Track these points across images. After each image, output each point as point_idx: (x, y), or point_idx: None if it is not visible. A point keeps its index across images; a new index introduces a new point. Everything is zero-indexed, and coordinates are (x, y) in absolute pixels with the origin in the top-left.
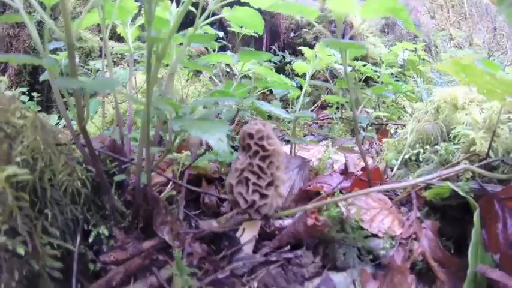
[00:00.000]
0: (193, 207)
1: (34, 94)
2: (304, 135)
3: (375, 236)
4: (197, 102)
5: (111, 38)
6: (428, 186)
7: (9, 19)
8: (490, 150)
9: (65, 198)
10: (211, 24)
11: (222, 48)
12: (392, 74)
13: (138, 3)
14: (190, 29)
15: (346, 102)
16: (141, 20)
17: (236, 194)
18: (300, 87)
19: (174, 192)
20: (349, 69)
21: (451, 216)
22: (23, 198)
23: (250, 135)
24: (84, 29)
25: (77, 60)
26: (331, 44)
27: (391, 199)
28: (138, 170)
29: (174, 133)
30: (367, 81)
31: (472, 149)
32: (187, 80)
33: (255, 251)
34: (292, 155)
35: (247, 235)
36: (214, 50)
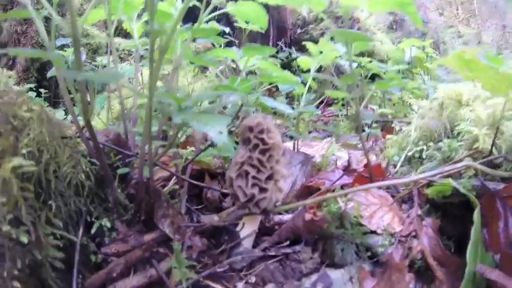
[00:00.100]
0: (195, 202)
1: (42, 90)
2: (309, 132)
3: (374, 232)
4: (199, 96)
5: (118, 35)
6: (430, 184)
7: (17, 15)
8: (494, 148)
9: (69, 190)
10: (218, 20)
11: (229, 44)
12: (399, 71)
13: None
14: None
15: (352, 99)
16: (147, 16)
17: (236, 188)
18: (306, 84)
19: (177, 187)
20: (354, 65)
21: (452, 214)
22: (28, 189)
23: (250, 129)
24: (91, 26)
25: (84, 56)
26: (337, 36)
27: (393, 196)
28: (141, 163)
29: (176, 127)
30: (374, 78)
31: (475, 146)
32: (194, 75)
33: (254, 246)
34: (295, 150)
35: (247, 229)
36: (220, 46)
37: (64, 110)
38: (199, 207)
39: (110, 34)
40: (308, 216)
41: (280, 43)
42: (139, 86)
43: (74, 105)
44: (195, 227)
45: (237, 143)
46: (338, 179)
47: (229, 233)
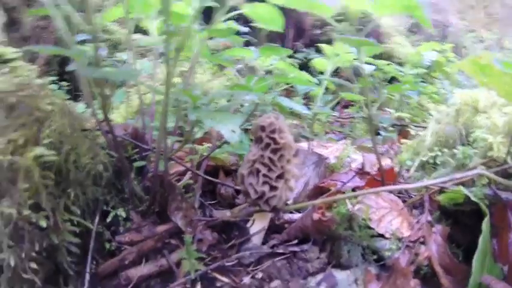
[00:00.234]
0: (209, 197)
1: (63, 83)
2: (326, 133)
3: (382, 236)
4: (215, 94)
5: (138, 31)
6: (442, 190)
7: (39, 12)
8: (508, 156)
9: (87, 180)
10: (236, 19)
11: (248, 44)
12: (417, 74)
13: None
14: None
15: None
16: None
17: (247, 185)
18: (321, 85)
19: (192, 182)
20: (372, 68)
21: (463, 222)
22: (48, 177)
23: (263, 128)
24: (111, 22)
25: (105, 52)
26: (346, 41)
27: (404, 201)
28: (157, 157)
29: (191, 123)
30: (392, 81)
31: (489, 154)
32: (213, 73)
33: (264, 243)
34: (310, 151)
35: (257, 226)
36: (239, 45)
37: (85, 104)
38: (213, 202)
39: (129, 33)
40: (316, 216)
41: (298, 43)
42: (158, 82)
43: (93, 99)
44: (206, 221)
45: (252, 140)
46: (349, 181)
47: (239, 229)
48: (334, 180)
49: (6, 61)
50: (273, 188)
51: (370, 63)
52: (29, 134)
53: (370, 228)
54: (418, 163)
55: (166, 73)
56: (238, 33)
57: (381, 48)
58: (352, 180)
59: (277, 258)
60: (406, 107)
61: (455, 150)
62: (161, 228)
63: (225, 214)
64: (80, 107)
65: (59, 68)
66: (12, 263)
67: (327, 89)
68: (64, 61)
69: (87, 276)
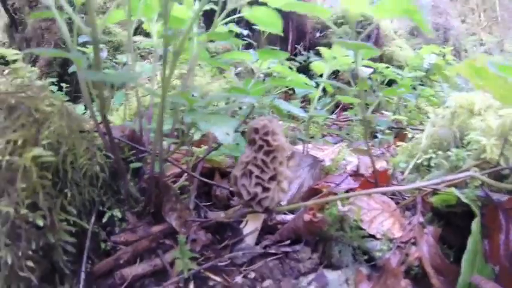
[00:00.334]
0: (205, 199)
1: (63, 85)
2: (323, 136)
3: (373, 237)
4: (212, 97)
5: (139, 33)
6: (435, 192)
7: (42, 15)
8: (502, 158)
9: (84, 181)
10: (237, 22)
11: (248, 46)
12: (416, 77)
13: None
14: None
15: (366, 104)
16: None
17: (240, 186)
18: (323, 89)
19: (187, 183)
20: (370, 70)
21: (455, 224)
22: (46, 177)
23: (256, 130)
24: (113, 24)
25: (105, 53)
26: (338, 45)
27: (398, 203)
28: (153, 158)
29: (187, 126)
30: (391, 84)
31: (482, 156)
32: (212, 76)
33: (257, 243)
34: (305, 153)
35: (250, 227)
36: (238, 48)
37: (84, 105)
38: (208, 204)
39: (129, 34)
40: (307, 217)
41: (299, 46)
42: (157, 84)
43: (92, 101)
44: (201, 222)
45: None
46: (341, 182)
47: (233, 230)
48: (328, 182)
49: (7, 62)
50: (265, 190)
51: (368, 66)
52: (28, 135)
53: (361, 229)
54: (413, 165)
55: (162, 76)
56: (238, 35)
57: (377, 52)
58: (345, 182)
59: (270, 259)
60: (403, 110)
61: (449, 153)
62: (156, 228)
63: (219, 215)
64: (79, 108)
65: (60, 70)
66: (9, 261)
67: (325, 91)
68: (65, 62)
69: (83, 275)
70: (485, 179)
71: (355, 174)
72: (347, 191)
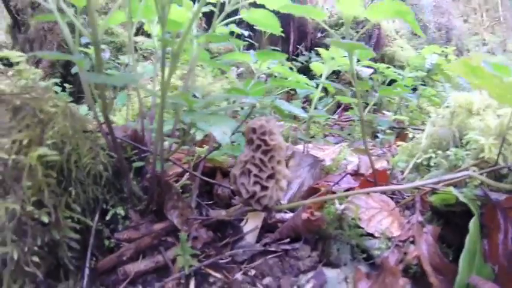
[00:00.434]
0: (206, 198)
1: (66, 85)
2: (325, 136)
3: (372, 235)
4: (211, 98)
5: (142, 33)
6: (434, 191)
7: (44, 19)
8: (501, 158)
9: (88, 179)
10: (239, 23)
11: (250, 47)
12: (417, 77)
13: None
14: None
15: (367, 104)
16: None
17: (239, 185)
18: (325, 89)
19: (189, 182)
20: (370, 71)
21: (454, 223)
22: (51, 175)
23: (254, 130)
24: (116, 25)
25: (108, 54)
26: (337, 45)
27: (397, 202)
28: (154, 158)
29: (187, 126)
30: (392, 84)
31: (481, 156)
32: (214, 76)
33: (257, 242)
34: (305, 153)
35: (250, 225)
36: (240, 49)
37: (87, 106)
38: (210, 202)
39: (130, 36)
40: (305, 215)
41: (300, 47)
42: (159, 85)
43: (95, 101)
44: (202, 220)
45: None
46: (339, 181)
47: (233, 228)
48: (328, 181)
49: (11, 64)
50: (263, 188)
51: (369, 66)
52: (33, 135)
53: (360, 227)
54: (413, 165)
55: (161, 78)
56: (240, 36)
57: (372, 52)
58: (344, 181)
59: (270, 256)
60: (405, 110)
61: (448, 152)
62: (158, 226)
63: (220, 213)
64: (83, 108)
65: (63, 70)
66: (15, 257)
67: (327, 92)
68: (68, 63)
69: (87, 271)
70: (483, 178)
71: (356, 173)
72: (346, 190)
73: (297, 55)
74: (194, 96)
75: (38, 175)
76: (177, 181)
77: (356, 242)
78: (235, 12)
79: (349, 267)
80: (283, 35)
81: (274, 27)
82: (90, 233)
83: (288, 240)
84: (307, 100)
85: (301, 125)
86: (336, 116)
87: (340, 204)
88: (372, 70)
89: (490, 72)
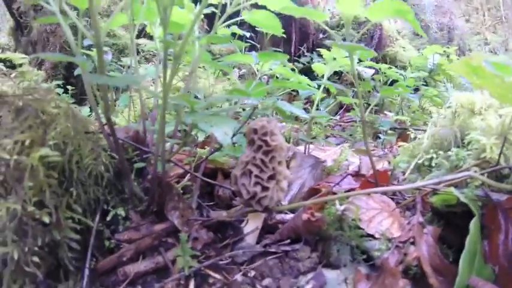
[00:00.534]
0: (207, 199)
1: (69, 87)
2: (326, 137)
3: (372, 236)
4: (213, 99)
5: (144, 36)
6: (435, 192)
7: (46, 21)
8: (502, 158)
9: (89, 180)
10: (241, 24)
11: (252, 48)
12: (419, 77)
13: None
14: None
15: (368, 104)
16: None
17: (240, 185)
18: (327, 90)
19: (190, 183)
20: (372, 71)
21: (455, 223)
22: (52, 176)
23: (255, 131)
24: (118, 27)
25: (110, 56)
26: (337, 46)
27: (398, 203)
28: (155, 158)
29: (189, 127)
30: (394, 84)
31: (482, 156)
32: (216, 78)
33: (257, 243)
34: (306, 154)
35: (251, 226)
36: (241, 50)
37: (89, 107)
38: (211, 204)
39: (132, 38)
40: (305, 216)
41: (302, 48)
42: (161, 87)
43: (97, 103)
44: (202, 221)
45: None
46: (339, 181)
47: (234, 229)
48: (329, 182)
49: (14, 66)
50: (264, 189)
51: (371, 67)
52: (35, 136)
53: (360, 228)
54: (414, 165)
55: (163, 80)
56: (242, 38)
57: (373, 53)
58: (345, 182)
59: (270, 257)
60: (407, 111)
61: (449, 153)
62: (159, 227)
63: (221, 214)
64: (85, 110)
65: (65, 72)
66: (15, 257)
67: (329, 93)
68: (70, 65)
69: (87, 272)
70: (484, 178)
71: (357, 174)
72: (347, 191)
73: (299, 56)
74: (196, 97)
75: (40, 175)
76: (178, 182)
77: (356, 243)
78: (237, 13)
79: (349, 269)
80: (284, 36)
81: (276, 29)
82: (90, 234)
83: (288, 241)
84: (309, 101)
85: (302, 126)
86: (337, 117)
87: (341, 205)
88: (373, 71)
89: (491, 71)
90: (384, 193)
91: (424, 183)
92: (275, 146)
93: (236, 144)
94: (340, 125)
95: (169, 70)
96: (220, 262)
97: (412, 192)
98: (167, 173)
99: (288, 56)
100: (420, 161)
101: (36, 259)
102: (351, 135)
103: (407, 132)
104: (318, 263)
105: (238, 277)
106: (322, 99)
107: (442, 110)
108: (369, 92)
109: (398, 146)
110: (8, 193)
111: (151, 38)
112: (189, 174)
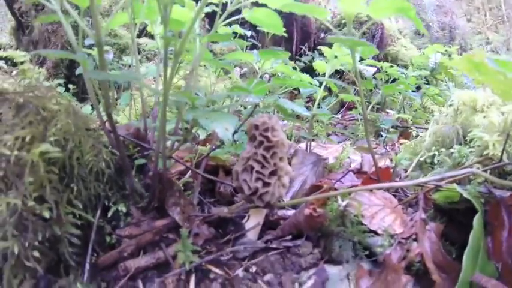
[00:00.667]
0: (209, 196)
1: (70, 86)
2: (328, 135)
3: (375, 232)
4: (213, 96)
5: (145, 35)
6: (437, 189)
7: (47, 19)
8: (505, 155)
9: (90, 176)
10: (242, 23)
11: (253, 47)
12: (421, 76)
13: None
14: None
15: (369, 102)
16: None
17: (241, 181)
18: (328, 88)
19: (191, 179)
20: (373, 70)
21: (458, 220)
22: (53, 172)
23: (256, 127)
24: (119, 26)
25: (111, 55)
26: (339, 41)
27: (400, 200)
28: (156, 155)
29: (190, 123)
30: (395, 82)
31: (485, 153)
32: (217, 77)
33: (259, 239)
34: (308, 151)
35: (252, 222)
36: (243, 49)
37: (91, 105)
38: (212, 200)
39: (132, 37)
40: (307, 211)
41: (303, 47)
42: (162, 85)
43: (98, 100)
44: (203, 217)
45: None
46: (341, 178)
47: (235, 224)
48: (330, 179)
49: (15, 64)
50: (266, 184)
51: (372, 65)
52: (35, 132)
53: (362, 224)
54: (416, 163)
55: (164, 76)
56: (243, 37)
57: (375, 50)
58: (347, 179)
59: (271, 253)
60: (408, 109)
61: (452, 150)
62: (160, 222)
63: (222, 210)
64: (86, 109)
65: (67, 72)
66: (15, 251)
67: (330, 91)
68: (72, 64)
69: (87, 267)
70: (487, 175)
71: (359, 171)
72: (349, 188)
73: (300, 55)
74: (197, 95)
75: (40, 171)
76: (179, 179)
77: (358, 239)
78: (238, 12)
79: (351, 265)
80: (286, 35)
81: (277, 27)
82: (91, 229)
83: (290, 237)
84: (311, 100)
85: (304, 124)
86: (339, 115)
87: (343, 201)
88: (375, 69)
89: (493, 68)
90: (387, 189)
91: (426, 179)
92: (276, 141)
93: (237, 142)
94: (342, 123)
95: (169, 68)
96: (222, 258)
97: (414, 189)
98: (168, 169)
99: (290, 55)
100: (422, 159)
101: (36, 254)
102: (352, 133)
103: (409, 131)
104: (320, 259)
105: (240, 272)
106: (323, 98)
107: (444, 108)
108: (371, 90)
109: (400, 144)
110: (9, 188)
111: (152, 37)
112: (190, 171)
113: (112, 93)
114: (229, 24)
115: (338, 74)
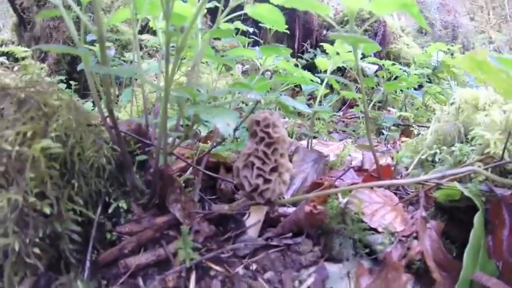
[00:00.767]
0: (210, 193)
1: (72, 82)
2: (329, 133)
3: (375, 230)
4: (214, 92)
5: (147, 31)
6: (438, 187)
7: (49, 14)
8: (506, 153)
9: (91, 172)
10: (244, 20)
11: (255, 44)
12: (423, 74)
13: None
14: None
15: (371, 100)
16: None
17: (242, 178)
18: (330, 86)
19: (192, 176)
20: (375, 67)
21: (458, 218)
22: (54, 167)
23: (257, 123)
24: (121, 22)
25: (113, 52)
26: (341, 38)
27: (401, 198)
28: (157, 151)
29: (191, 119)
30: (397, 79)
31: (486, 151)
32: (219, 73)
33: (260, 236)
34: (309, 148)
35: (253, 219)
36: (245, 46)
37: (92, 102)
38: (213, 197)
39: (134, 33)
40: (307, 208)
41: (305, 44)
42: (163, 81)
43: (99, 96)
44: (204, 214)
45: None
46: (342, 175)
47: (236, 222)
48: (331, 176)
49: (17, 60)
50: (266, 181)
51: (374, 63)
52: (37, 127)
53: (362, 222)
54: (417, 161)
55: (165, 72)
56: (245, 33)
57: (377, 46)
58: (348, 177)
59: (272, 251)
60: (410, 107)
61: (453, 148)
62: (160, 219)
63: (223, 207)
64: (88, 105)
65: (68, 68)
66: (16, 248)
67: (332, 89)
68: (73, 61)
69: (88, 264)
70: (488, 173)
71: (360, 169)
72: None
73: (302, 52)
74: (198, 91)
75: (41, 167)
76: (180, 176)
77: (359, 237)
78: (240, 7)
79: (351, 262)
80: (288, 32)
81: (279, 23)
82: (92, 226)
83: (290, 234)
84: (312, 97)
85: (305, 121)
86: (340, 113)
87: (343, 198)
88: (377, 67)
89: (496, 66)
90: (387, 187)
91: (427, 177)
92: (277, 138)
93: (239, 139)
94: (343, 121)
95: (171, 64)
96: (222, 255)
97: (415, 187)
98: (169, 166)
99: (291, 51)
100: (423, 157)
101: (37, 250)
102: (353, 131)
103: (411, 129)
104: (320, 257)
105: (240, 270)
106: (325, 95)
107: (445, 106)
108: (372, 88)
109: (402, 142)
110: (10, 184)
111: (154, 33)
112: (191, 168)
113: (113, 89)
114: (232, 20)
115: (340, 71)
